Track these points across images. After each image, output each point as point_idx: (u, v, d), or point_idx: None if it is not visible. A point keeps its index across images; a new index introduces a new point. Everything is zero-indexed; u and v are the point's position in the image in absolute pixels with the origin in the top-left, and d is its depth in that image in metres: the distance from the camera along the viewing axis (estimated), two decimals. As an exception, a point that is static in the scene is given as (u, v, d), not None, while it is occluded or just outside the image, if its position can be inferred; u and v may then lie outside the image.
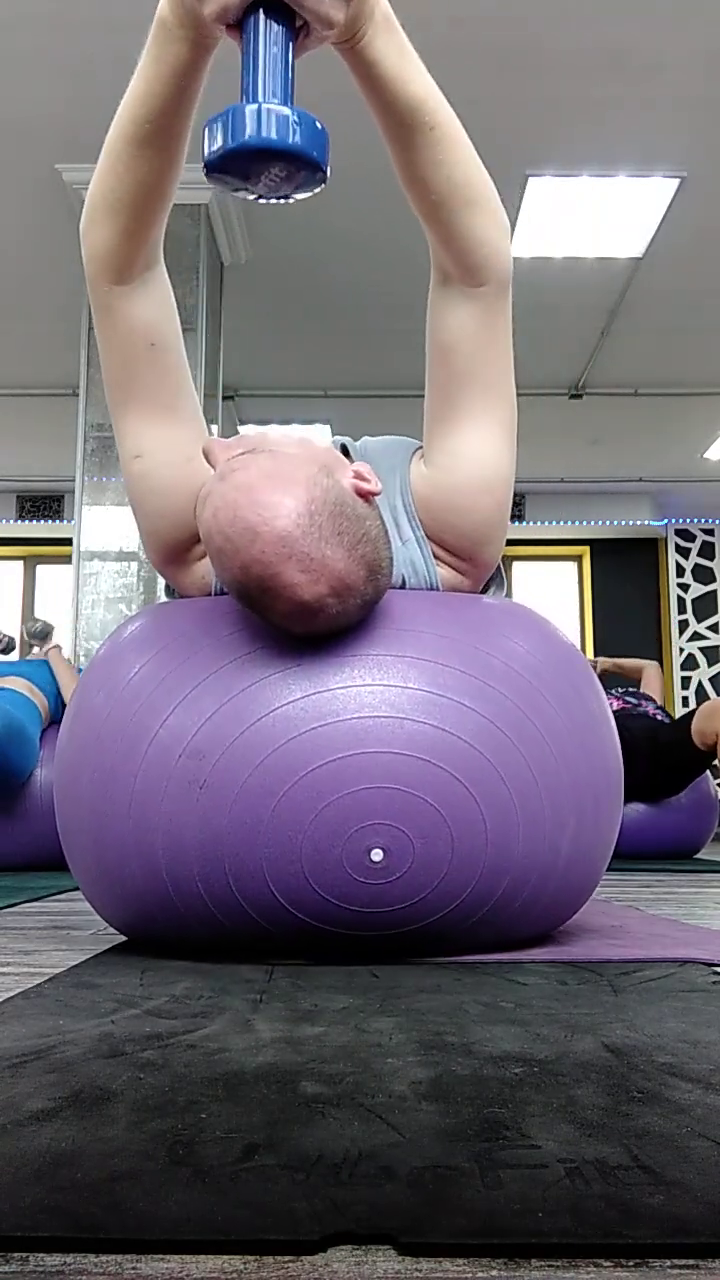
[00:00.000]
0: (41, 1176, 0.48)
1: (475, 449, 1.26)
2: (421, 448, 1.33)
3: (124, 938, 1.31)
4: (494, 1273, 0.40)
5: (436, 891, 1.07)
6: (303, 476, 1.07)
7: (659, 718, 3.83)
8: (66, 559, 3.71)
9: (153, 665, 1.16)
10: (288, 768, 1.06)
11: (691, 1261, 0.41)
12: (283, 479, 1.07)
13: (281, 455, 1.10)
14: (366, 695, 1.09)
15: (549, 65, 3.41)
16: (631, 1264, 0.41)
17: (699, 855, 3.66)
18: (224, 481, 1.09)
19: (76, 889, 2.18)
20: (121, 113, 1.16)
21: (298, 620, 1.09)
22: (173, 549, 1.29)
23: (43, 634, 3.59)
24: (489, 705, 1.11)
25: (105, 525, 3.95)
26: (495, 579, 1.42)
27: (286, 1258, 0.41)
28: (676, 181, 4.00)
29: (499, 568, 1.41)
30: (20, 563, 7.83)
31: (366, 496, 1.13)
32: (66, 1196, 0.46)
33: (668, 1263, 0.41)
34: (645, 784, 3.55)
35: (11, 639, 3.61)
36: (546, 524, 7.62)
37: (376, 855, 1.04)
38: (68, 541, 3.62)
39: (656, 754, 3.56)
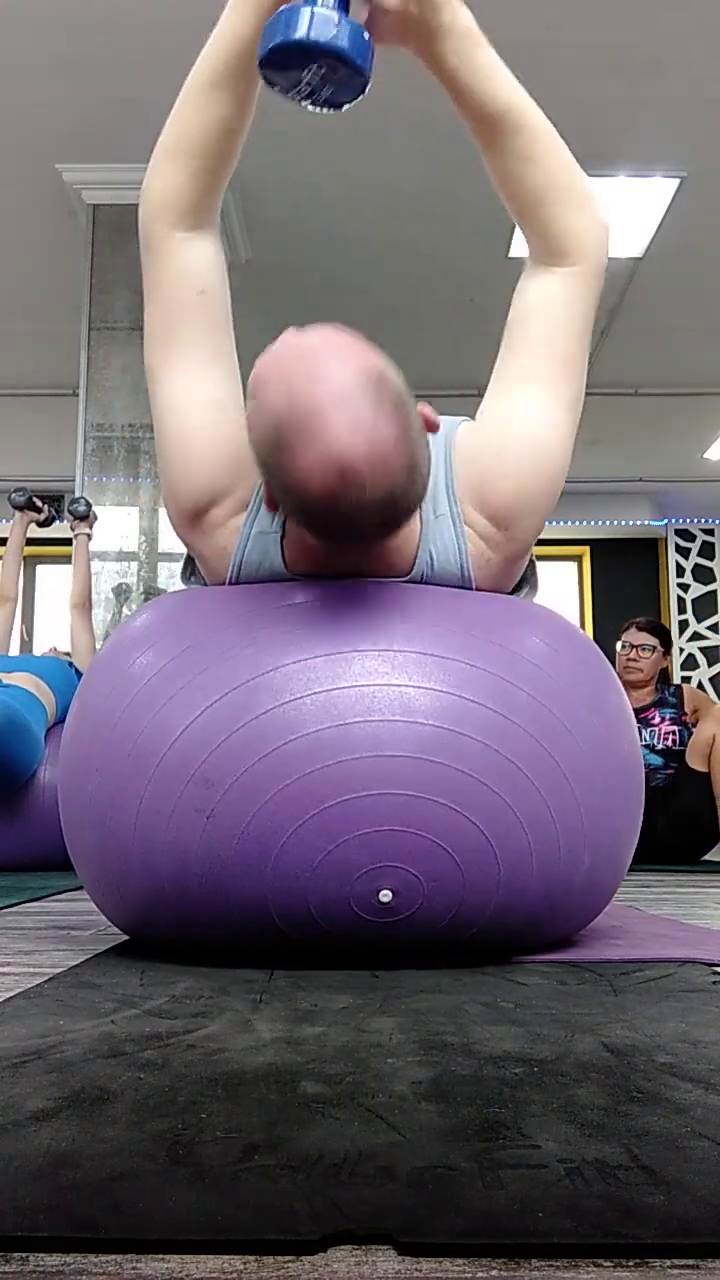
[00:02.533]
0: (41, 1176, 0.48)
1: (533, 413, 1.23)
2: (470, 420, 1.29)
3: (124, 937, 1.31)
4: (494, 1273, 0.40)
5: (445, 927, 1.07)
6: (380, 357, 1.06)
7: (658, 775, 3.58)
8: (66, 559, 3.70)
9: (160, 678, 1.12)
10: (299, 805, 1.03)
11: (691, 1261, 0.41)
12: (360, 348, 1.05)
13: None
14: (385, 733, 1.05)
15: (549, 65, 3.41)
16: (631, 1264, 0.41)
17: (704, 856, 3.66)
18: (298, 332, 1.06)
19: (77, 889, 2.18)
20: (201, 57, 1.21)
21: (317, 479, 1.00)
22: (194, 509, 1.23)
23: (84, 514, 3.58)
24: (508, 744, 1.07)
25: (105, 525, 3.95)
26: (528, 578, 1.38)
27: (286, 1258, 0.41)
28: (676, 181, 4.01)
29: (533, 564, 1.38)
30: (22, 564, 7.82)
31: (427, 423, 1.12)
32: (66, 1196, 0.46)
33: (668, 1263, 0.41)
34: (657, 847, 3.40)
35: (53, 513, 3.61)
36: (546, 524, 7.60)
37: (385, 896, 1.03)
38: (68, 541, 3.62)
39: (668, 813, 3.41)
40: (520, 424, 1.24)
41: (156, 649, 1.16)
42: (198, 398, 1.23)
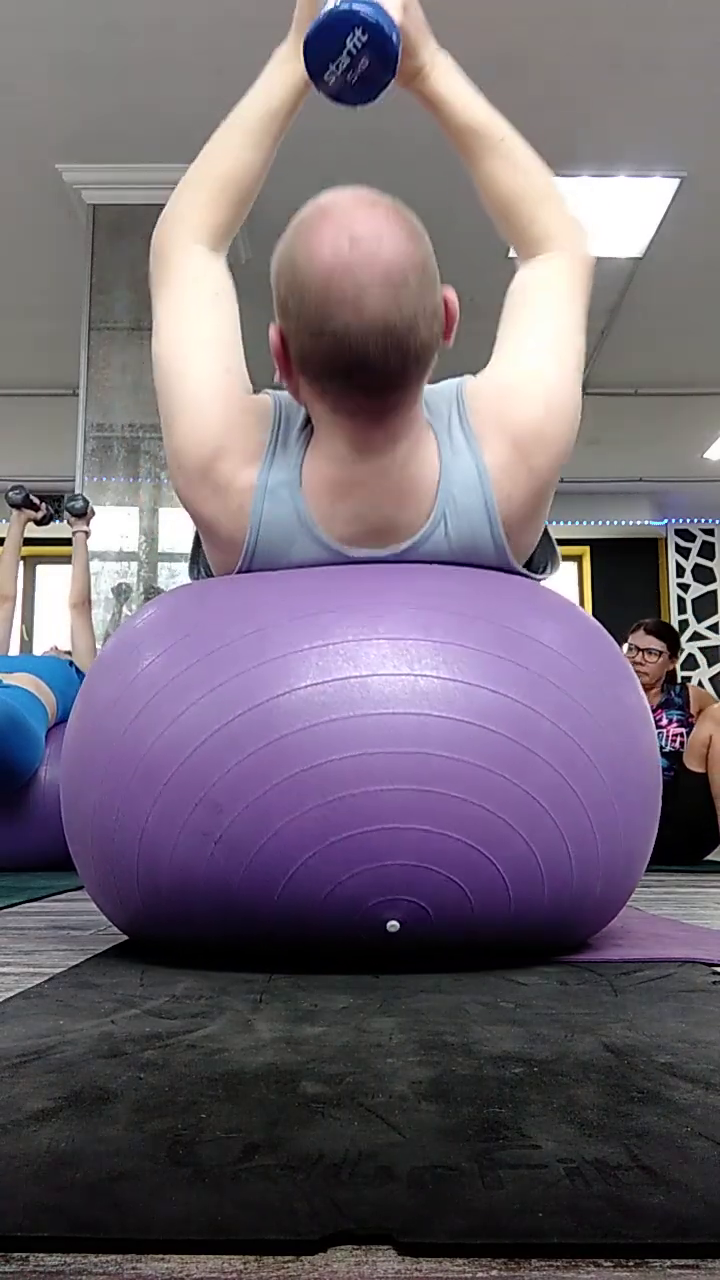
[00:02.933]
0: (41, 1176, 0.48)
1: (541, 357, 1.27)
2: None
3: (124, 937, 1.31)
4: (494, 1273, 0.40)
5: (453, 947, 1.06)
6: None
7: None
8: (67, 559, 3.70)
9: (170, 690, 1.08)
10: (310, 836, 1.00)
11: (691, 1261, 0.41)
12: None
13: None
14: (401, 765, 1.01)
15: (549, 65, 3.41)
16: (631, 1264, 0.41)
17: (705, 856, 3.66)
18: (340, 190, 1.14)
19: (77, 889, 2.18)
20: (239, 107, 1.36)
21: (328, 246, 1.06)
22: (203, 464, 1.22)
23: (81, 511, 3.58)
24: (530, 777, 1.04)
25: (105, 525, 3.95)
26: (549, 556, 1.38)
27: (286, 1258, 0.41)
28: (676, 181, 4.01)
29: (550, 539, 1.38)
30: (20, 563, 7.82)
31: (448, 301, 1.14)
32: (66, 1196, 0.46)
33: (668, 1263, 0.41)
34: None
35: (52, 512, 3.60)
36: (547, 524, 7.61)
37: (392, 926, 1.02)
38: (68, 541, 3.61)
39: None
40: (530, 359, 1.27)
41: (166, 656, 1.12)
42: (208, 364, 1.26)
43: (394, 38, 1.16)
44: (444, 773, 1.02)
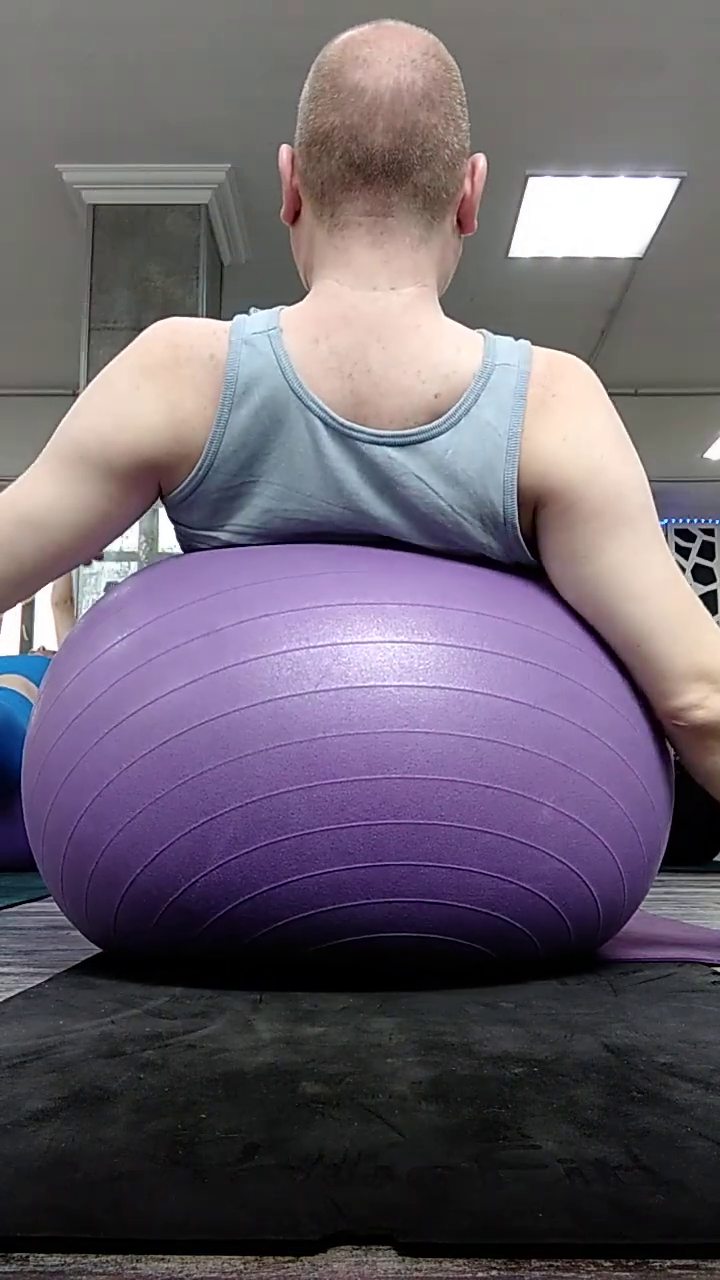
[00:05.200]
0: (41, 1176, 0.48)
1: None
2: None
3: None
4: (494, 1273, 0.40)
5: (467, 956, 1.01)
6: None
7: None
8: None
9: (136, 680, 0.96)
10: (301, 938, 0.93)
11: (691, 1261, 0.41)
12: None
13: None
14: (395, 839, 0.91)
15: (549, 65, 3.42)
16: (631, 1264, 0.41)
17: (713, 857, 3.66)
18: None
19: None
20: None
21: (356, 35, 1.05)
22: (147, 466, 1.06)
23: None
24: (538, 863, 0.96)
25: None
26: None
27: (286, 1258, 0.41)
28: (676, 181, 4.01)
29: None
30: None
31: (474, 163, 1.10)
32: (66, 1196, 0.46)
33: (668, 1263, 0.41)
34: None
35: None
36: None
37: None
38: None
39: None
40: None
41: (131, 639, 1.00)
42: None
43: None
44: (444, 842, 0.92)
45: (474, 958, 0.98)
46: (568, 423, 1.05)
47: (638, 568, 1.04)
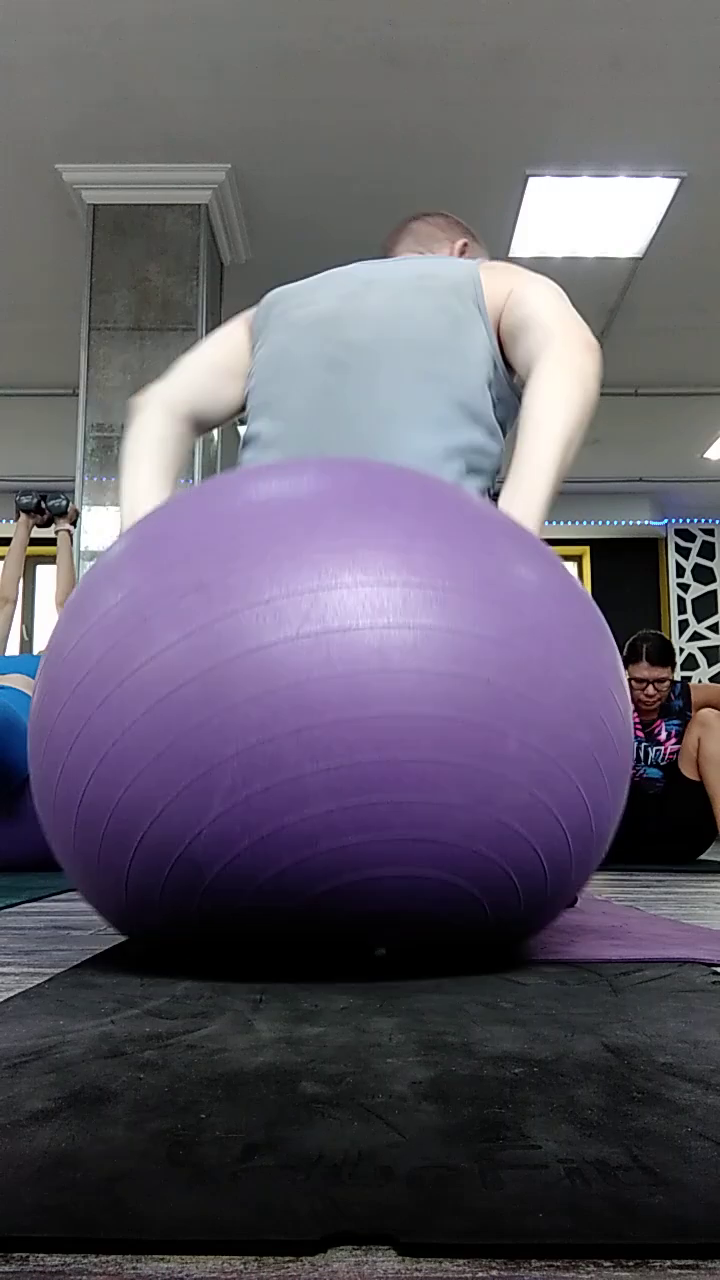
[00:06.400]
0: (41, 1176, 0.48)
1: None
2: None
3: (124, 937, 1.31)
4: (494, 1273, 0.40)
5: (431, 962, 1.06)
6: None
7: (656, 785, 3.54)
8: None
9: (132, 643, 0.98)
10: (300, 882, 0.95)
11: (691, 1261, 0.41)
12: None
13: None
14: (378, 816, 0.94)
15: (549, 65, 3.41)
16: (631, 1264, 0.41)
17: (699, 856, 3.66)
18: None
19: (77, 889, 2.18)
20: None
21: None
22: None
23: (62, 510, 3.55)
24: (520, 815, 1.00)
25: (106, 525, 3.95)
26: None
27: (286, 1258, 0.41)
28: (676, 181, 4.01)
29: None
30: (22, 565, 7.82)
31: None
32: (66, 1196, 0.46)
33: (668, 1263, 0.41)
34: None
35: (31, 500, 3.57)
36: (546, 524, 7.56)
37: (379, 951, 1.01)
38: (52, 542, 3.62)
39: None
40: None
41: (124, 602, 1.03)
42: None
43: None
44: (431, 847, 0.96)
45: (464, 904, 1.00)
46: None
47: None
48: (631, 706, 1.18)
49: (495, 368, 1.42)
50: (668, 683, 3.54)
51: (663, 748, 3.52)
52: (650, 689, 3.49)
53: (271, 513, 1.05)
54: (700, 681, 7.86)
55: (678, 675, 3.78)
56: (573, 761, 1.01)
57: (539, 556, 1.13)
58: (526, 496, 1.30)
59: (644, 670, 3.48)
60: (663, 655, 3.51)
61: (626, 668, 3.50)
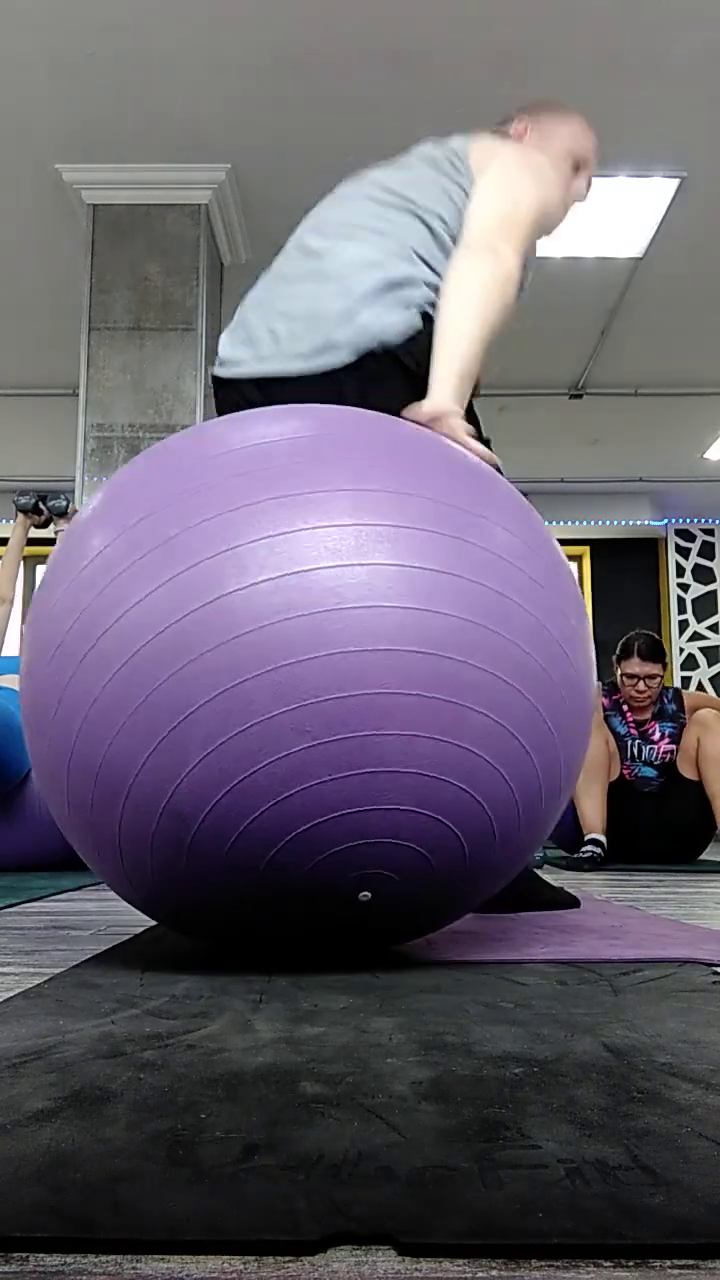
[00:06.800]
0: (41, 1176, 0.48)
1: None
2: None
3: (125, 937, 1.31)
4: (494, 1273, 0.40)
5: (416, 909, 1.09)
6: None
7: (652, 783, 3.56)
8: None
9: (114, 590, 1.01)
10: (280, 826, 0.96)
11: (691, 1261, 0.41)
12: None
13: None
14: (372, 749, 0.96)
15: (549, 65, 3.41)
16: (631, 1264, 0.41)
17: (699, 856, 3.66)
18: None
19: (77, 889, 2.19)
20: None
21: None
22: None
23: (63, 510, 3.54)
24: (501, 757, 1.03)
25: (105, 525, 3.95)
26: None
27: (286, 1258, 0.41)
28: (676, 181, 4.01)
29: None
30: (21, 565, 7.82)
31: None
32: (66, 1196, 0.46)
33: (668, 1263, 0.41)
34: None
35: (29, 500, 3.56)
36: (546, 524, 7.59)
37: (364, 896, 1.02)
38: (51, 542, 3.62)
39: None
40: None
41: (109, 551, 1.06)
42: None
43: None
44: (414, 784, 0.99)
45: (440, 840, 1.01)
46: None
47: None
48: (590, 628, 1.20)
49: (445, 223, 1.57)
50: (659, 679, 3.57)
51: (656, 747, 3.54)
52: (642, 684, 3.52)
53: (230, 464, 1.08)
54: (700, 683, 7.86)
55: (676, 679, 3.78)
56: (530, 684, 1.04)
57: (494, 491, 1.16)
58: (434, 388, 1.40)
59: (635, 666, 3.53)
60: (653, 651, 3.58)
61: (619, 665, 3.59)
